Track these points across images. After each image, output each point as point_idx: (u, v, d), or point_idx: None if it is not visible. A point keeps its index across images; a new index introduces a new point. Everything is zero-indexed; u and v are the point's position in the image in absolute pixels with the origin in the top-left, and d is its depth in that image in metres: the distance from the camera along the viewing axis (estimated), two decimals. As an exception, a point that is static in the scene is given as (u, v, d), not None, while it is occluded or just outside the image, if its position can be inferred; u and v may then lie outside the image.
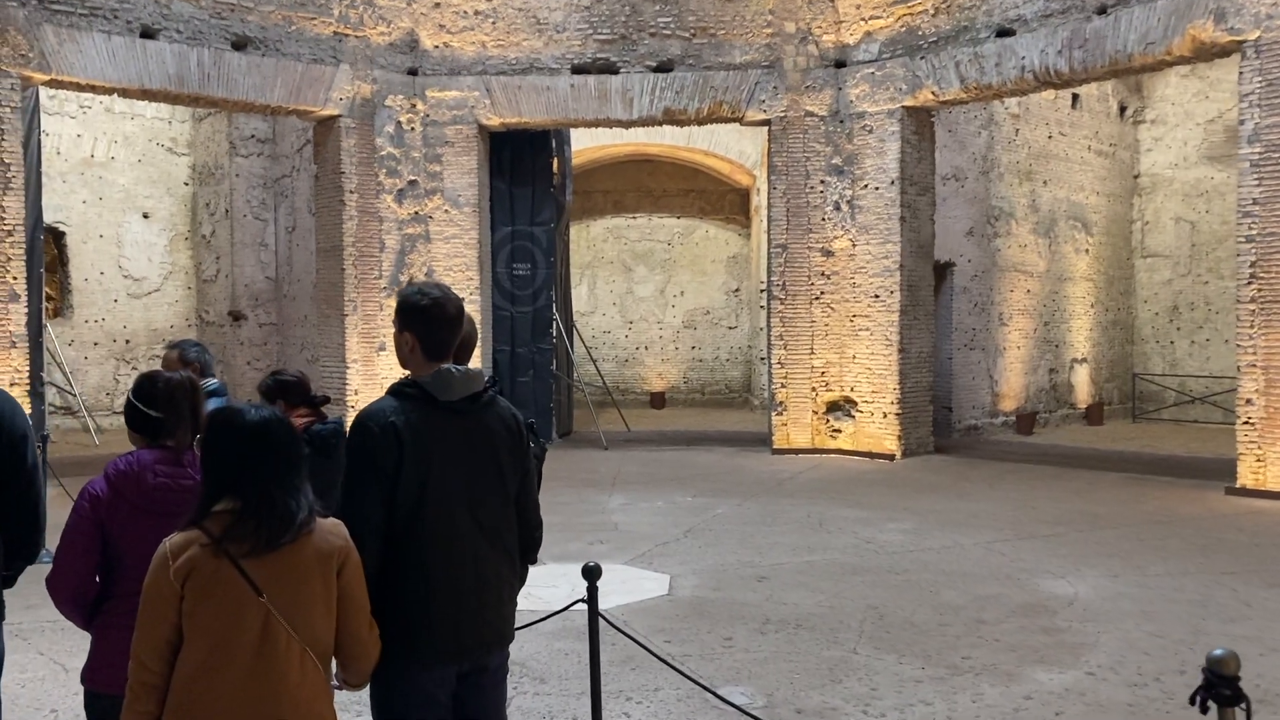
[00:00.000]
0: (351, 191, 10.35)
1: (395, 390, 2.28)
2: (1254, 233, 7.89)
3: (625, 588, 5.63)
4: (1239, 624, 4.76)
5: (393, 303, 10.68)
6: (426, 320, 2.27)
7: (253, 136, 13.65)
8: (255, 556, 1.87)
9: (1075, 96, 14.26)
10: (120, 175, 13.81)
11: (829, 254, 10.78)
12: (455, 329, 2.32)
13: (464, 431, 2.26)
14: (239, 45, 9.58)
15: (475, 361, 10.69)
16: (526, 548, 2.41)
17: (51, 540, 2.50)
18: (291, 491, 1.93)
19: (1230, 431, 13.76)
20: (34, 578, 2.58)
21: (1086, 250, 14.58)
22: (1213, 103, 14.66)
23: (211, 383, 4.16)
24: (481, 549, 2.25)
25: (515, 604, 2.36)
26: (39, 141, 10.93)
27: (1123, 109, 15.11)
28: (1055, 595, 5.33)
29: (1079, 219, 14.42)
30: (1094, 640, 4.55)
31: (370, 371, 10.49)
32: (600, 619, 2.81)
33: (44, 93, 11.94)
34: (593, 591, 2.87)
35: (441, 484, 2.20)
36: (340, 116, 10.28)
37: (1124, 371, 15.38)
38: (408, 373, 2.33)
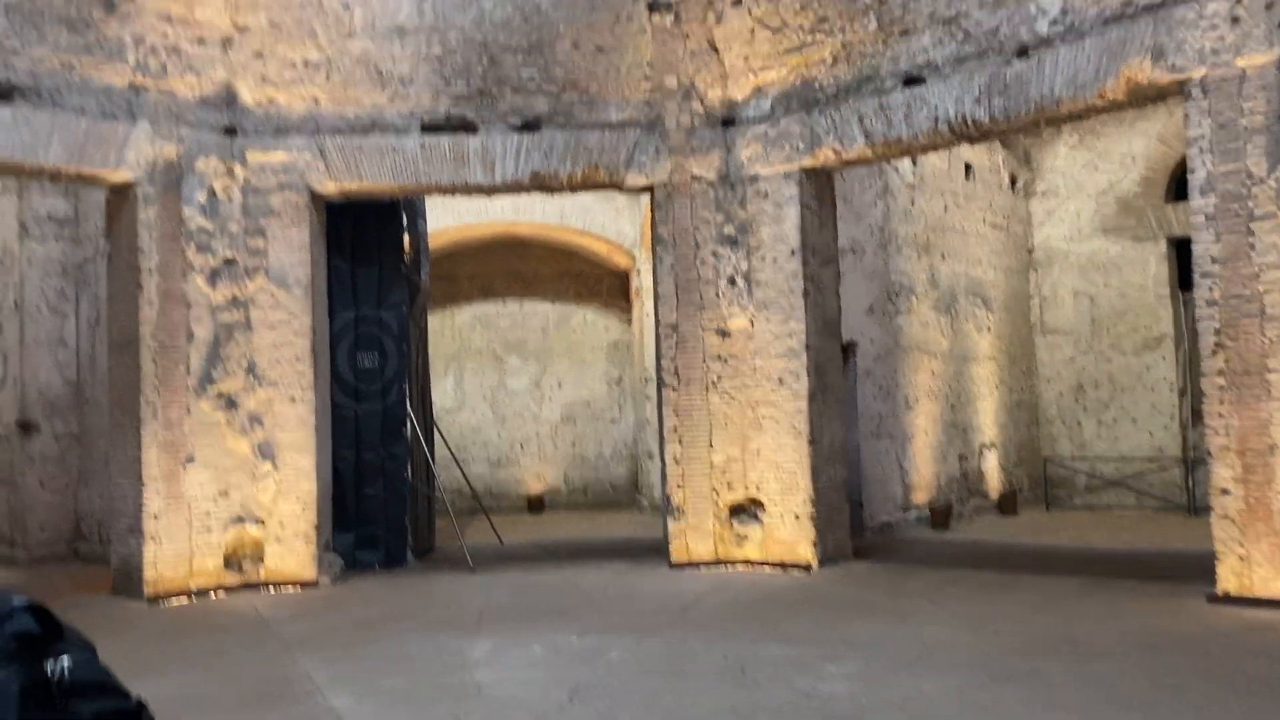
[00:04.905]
0: (151, 272, 8.50)
1: None
2: (1215, 296, 6.86)
3: (487, 804, 3.92)
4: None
5: (204, 405, 8.77)
6: None
7: (49, 216, 11.63)
8: None
9: (968, 167, 13.56)
10: (-118, 263, 11.55)
11: (725, 335, 9.42)
12: None
13: None
14: (2, 95, 7.75)
15: (303, 476, 8.70)
16: None
17: None
18: None
19: (1150, 517, 13.02)
20: None
21: (988, 328, 13.73)
22: (1102, 174, 14.17)
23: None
24: None
25: None
26: None
27: (1014, 180, 14.50)
28: (1086, 782, 3.86)
29: (979, 295, 13.58)
30: None
31: (175, 491, 8.50)
32: None
33: None
34: None
35: None
36: (137, 184, 8.48)
37: (1033, 455, 14.45)
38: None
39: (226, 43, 8.88)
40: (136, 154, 8.46)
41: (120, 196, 8.70)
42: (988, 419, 13.52)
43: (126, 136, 8.40)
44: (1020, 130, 8.87)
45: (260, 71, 9.01)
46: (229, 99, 8.94)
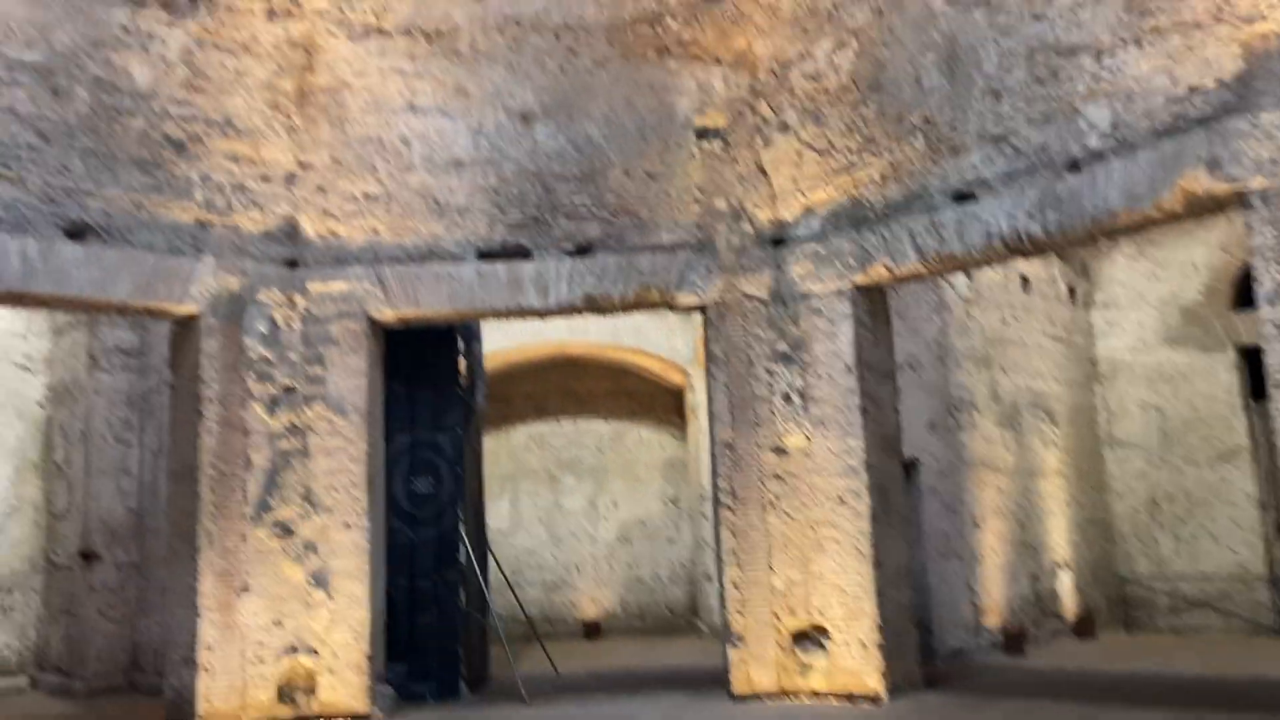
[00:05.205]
0: (212, 401, 8.64)
1: None
2: (1294, 408, 6.59)
3: None
4: None
5: (260, 533, 8.78)
6: None
7: (117, 348, 11.93)
8: None
9: (1025, 279, 13.42)
10: (-41, 396, 11.94)
11: (782, 452, 9.25)
12: None
13: None
14: (75, 234, 8.06)
15: (357, 605, 8.58)
16: None
17: None
18: None
19: (1239, 639, 12.31)
20: None
21: (1054, 442, 13.35)
22: (1164, 283, 13.94)
23: None
24: None
25: None
26: None
27: (1072, 292, 14.32)
28: None
29: (1042, 408, 13.27)
30: None
31: (229, 620, 8.44)
32: None
33: None
34: None
35: None
36: (201, 316, 8.70)
37: (1108, 575, 13.85)
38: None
39: (290, 179, 9.19)
40: (201, 287, 8.70)
41: (185, 328, 8.92)
42: (1059, 537, 13.04)
43: (192, 271, 8.67)
44: (1077, 244, 8.79)
45: (322, 205, 9.29)
46: (291, 232, 9.21)
